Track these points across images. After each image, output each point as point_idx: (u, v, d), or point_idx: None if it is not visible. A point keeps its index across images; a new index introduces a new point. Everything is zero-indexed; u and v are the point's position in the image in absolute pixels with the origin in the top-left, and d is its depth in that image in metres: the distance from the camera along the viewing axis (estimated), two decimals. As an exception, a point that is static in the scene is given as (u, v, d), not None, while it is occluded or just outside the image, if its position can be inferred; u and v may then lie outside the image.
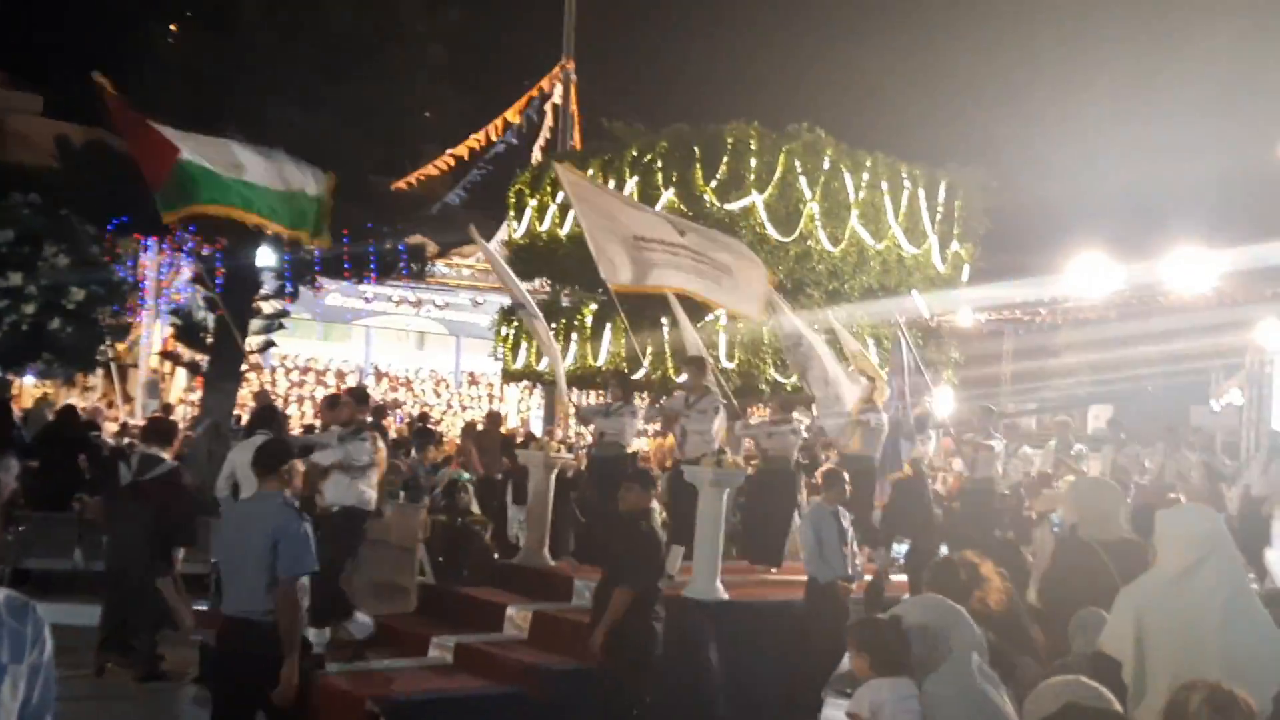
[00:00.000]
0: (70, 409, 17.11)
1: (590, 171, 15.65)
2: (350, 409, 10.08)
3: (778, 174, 14.34)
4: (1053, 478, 13.93)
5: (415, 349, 30.98)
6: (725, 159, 14.16)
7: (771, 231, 14.22)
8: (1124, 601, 5.10)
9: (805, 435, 13.60)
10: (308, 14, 14.32)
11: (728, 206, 14.03)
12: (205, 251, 15.90)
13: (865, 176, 15.27)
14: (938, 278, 16.20)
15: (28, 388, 23.38)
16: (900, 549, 12.45)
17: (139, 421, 19.79)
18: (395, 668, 9.43)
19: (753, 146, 14.23)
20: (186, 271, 19.56)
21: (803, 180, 14.58)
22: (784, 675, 9.41)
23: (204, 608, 11.86)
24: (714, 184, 14.11)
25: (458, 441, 16.93)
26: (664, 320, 13.73)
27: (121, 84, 14.11)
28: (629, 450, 12.04)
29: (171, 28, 14.79)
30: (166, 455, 10.27)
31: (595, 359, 14.78)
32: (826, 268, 14.85)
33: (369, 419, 10.16)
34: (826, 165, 14.84)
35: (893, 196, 15.58)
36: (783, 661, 9.54)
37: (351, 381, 28.97)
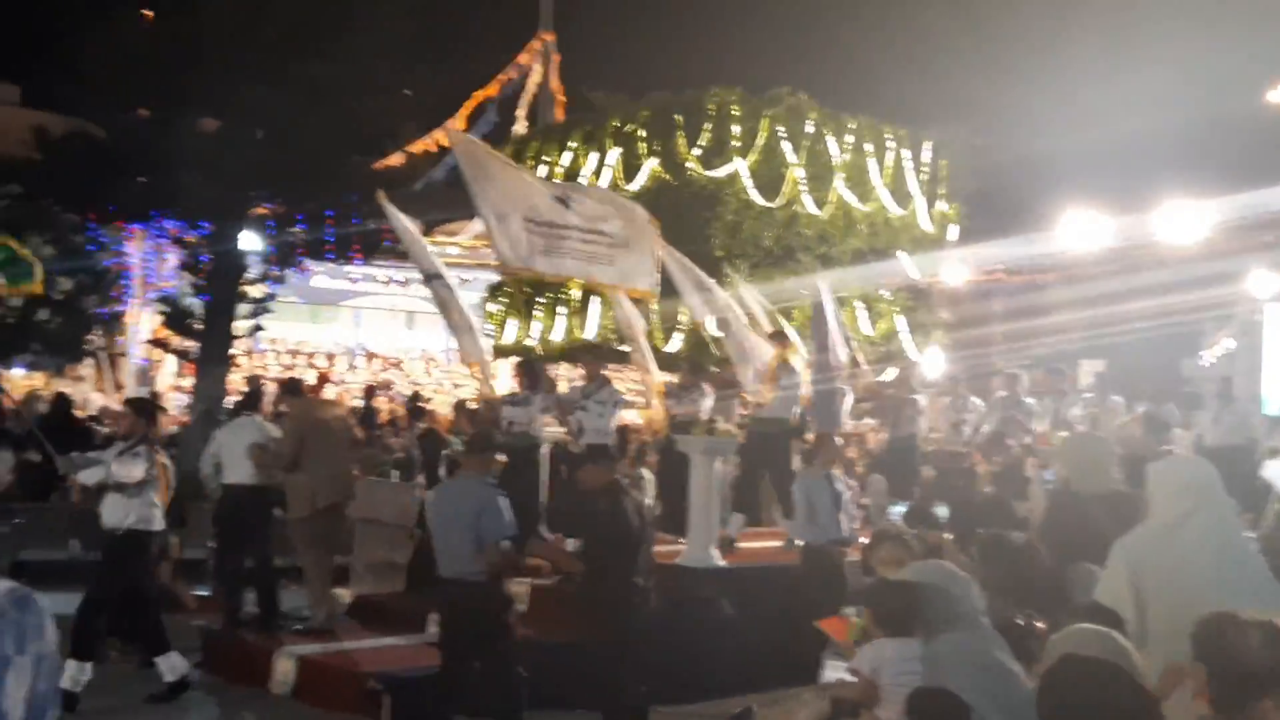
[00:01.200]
0: (63, 397, 17.13)
1: (573, 144, 15.66)
2: (130, 420, 9.44)
3: (761, 139, 14.37)
4: (1004, 435, 13.79)
5: (405, 328, 30.97)
6: (708, 126, 14.17)
7: (756, 197, 14.25)
8: (1117, 554, 5.13)
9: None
10: (267, -6, 14.24)
11: (711, 174, 14.04)
12: (190, 237, 15.88)
13: (849, 139, 15.30)
14: (925, 238, 16.25)
15: (18, 380, 23.40)
16: (897, 510, 12.52)
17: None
18: (394, 645, 9.51)
19: (735, 113, 14.24)
20: (173, 258, 19.51)
21: (786, 145, 14.61)
22: (783, 638, 9.50)
23: (205, 593, 11.96)
24: (697, 152, 14.12)
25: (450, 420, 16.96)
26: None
27: (88, 70, 14.10)
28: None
29: (146, 14, 14.69)
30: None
31: (582, 333, 14.82)
32: (814, 232, 14.89)
33: (147, 432, 9.21)
34: (810, 129, 14.87)
35: (877, 159, 15.62)
36: (781, 624, 9.62)
37: (342, 363, 29.04)
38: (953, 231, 16.75)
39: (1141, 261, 22.63)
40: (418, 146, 30.73)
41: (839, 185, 15.10)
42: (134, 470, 8.82)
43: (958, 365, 16.18)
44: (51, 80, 16.10)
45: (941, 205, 16.52)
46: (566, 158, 15.71)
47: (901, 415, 13.08)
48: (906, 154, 15.99)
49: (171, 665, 8.93)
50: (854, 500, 10.37)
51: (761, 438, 11.17)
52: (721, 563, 10.28)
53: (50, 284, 14.22)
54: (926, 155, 16.25)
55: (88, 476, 8.98)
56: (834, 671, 6.28)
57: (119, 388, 24.47)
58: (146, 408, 9.84)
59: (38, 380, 22.31)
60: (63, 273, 14.51)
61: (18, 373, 21.99)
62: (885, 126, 15.88)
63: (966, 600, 5.09)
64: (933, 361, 17.26)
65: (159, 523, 9.08)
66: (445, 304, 11.43)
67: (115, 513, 8.86)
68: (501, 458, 9.99)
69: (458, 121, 31.20)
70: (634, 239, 10.89)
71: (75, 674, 8.38)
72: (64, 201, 15.12)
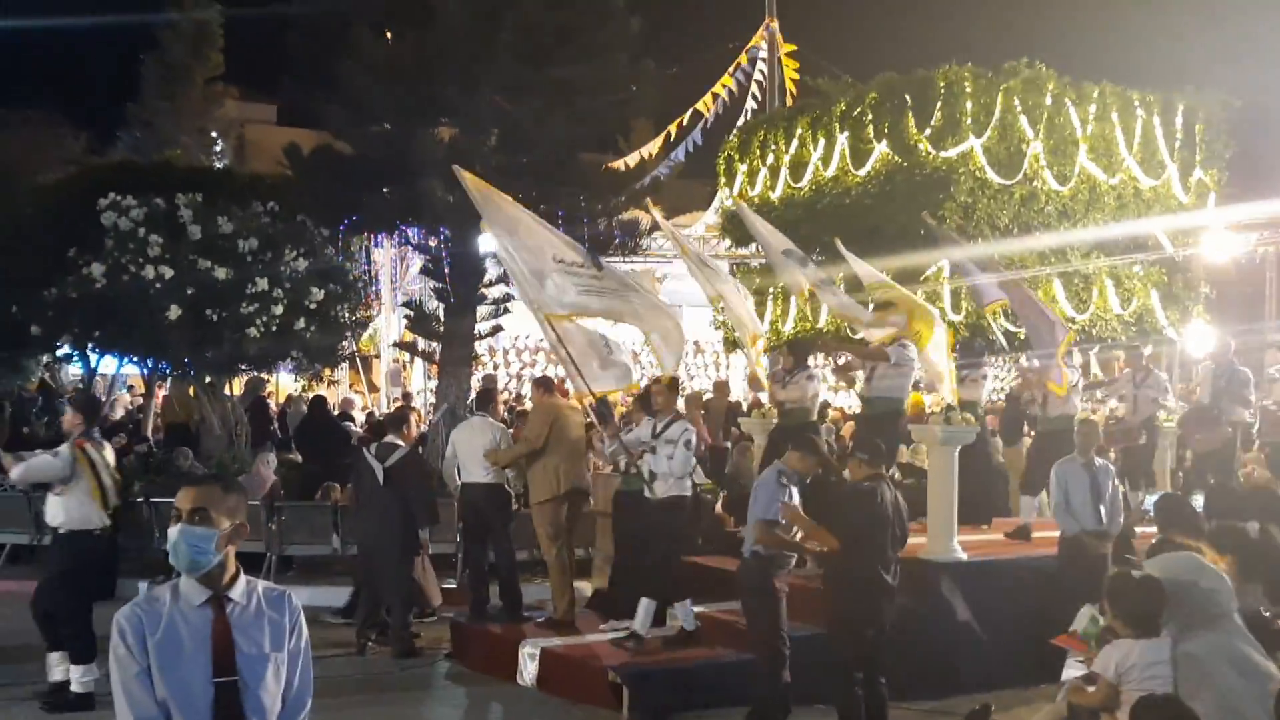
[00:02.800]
0: (320, 400, 18.26)
1: (800, 131, 15.54)
2: (69, 419, 9.28)
3: (996, 115, 13.86)
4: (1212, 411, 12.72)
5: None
6: (939, 105, 13.78)
7: (993, 176, 13.77)
8: None
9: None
10: (504, 2, 14.66)
11: (944, 154, 13.67)
12: (431, 243, 16.60)
13: (1093, 109, 14.59)
14: (1180, 208, 15.36)
15: (285, 384, 25.07)
16: (1150, 499, 11.94)
17: (382, 411, 20.95)
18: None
19: (967, 89, 13.78)
20: (416, 264, 20.43)
21: (1023, 119, 14.05)
22: (1035, 633, 9.22)
23: (452, 585, 12.53)
24: (928, 132, 13.77)
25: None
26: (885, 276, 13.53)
27: (334, 87, 14.90)
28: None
29: (386, 34, 15.41)
30: (401, 442, 10.89)
31: (816, 321, 14.71)
32: (1055, 208, 14.30)
33: (86, 429, 8.94)
34: (1049, 101, 14.26)
35: (1125, 127, 14.84)
36: (1032, 619, 9.33)
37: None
38: (1211, 200, 15.76)
39: None
40: (647, 143, 31.29)
41: (1083, 158, 14.44)
42: (49, 470, 8.67)
43: (1228, 340, 15.22)
44: (302, 98, 17.10)
45: (1198, 173, 15.57)
46: (793, 146, 15.61)
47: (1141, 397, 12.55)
48: (1157, 121, 15.15)
49: (78, 675, 8.73)
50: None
51: (867, 420, 10.70)
52: (963, 556, 10.06)
53: (305, 294, 15.15)
54: (1179, 121, 15.34)
55: (15, 474, 8.90)
56: (1072, 670, 6.04)
57: (373, 389, 25.88)
58: (88, 405, 9.85)
59: (300, 384, 23.87)
60: (316, 284, 15.41)
61: (284, 378, 23.56)
62: (1133, 92, 15.08)
63: (1220, 595, 4.85)
64: (1196, 338, 16.37)
65: (95, 521, 8.81)
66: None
67: (53, 512, 8.84)
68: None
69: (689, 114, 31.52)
70: (649, 319, 10.94)
71: (79, 677, 8.61)
72: (315, 215, 16.06)
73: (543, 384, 11.74)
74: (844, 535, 7.72)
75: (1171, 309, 15.15)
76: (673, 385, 10.27)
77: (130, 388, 23.94)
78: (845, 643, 7.77)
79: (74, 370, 21.84)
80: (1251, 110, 16.57)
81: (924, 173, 13.68)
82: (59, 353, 19.57)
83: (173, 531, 3.53)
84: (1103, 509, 9.35)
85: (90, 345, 16.62)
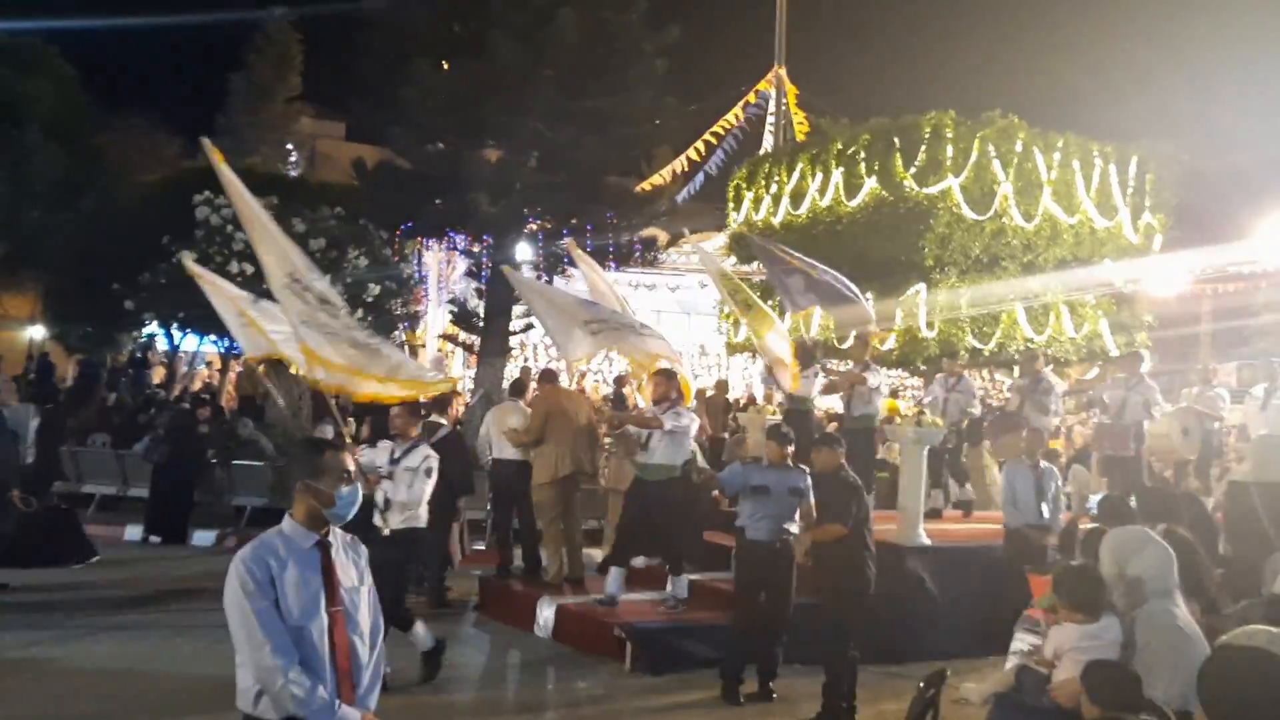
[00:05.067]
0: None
1: (801, 165, 15.59)
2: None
3: (973, 158, 13.91)
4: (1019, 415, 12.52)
5: (654, 324, 31.41)
6: (923, 147, 13.82)
7: (968, 211, 13.81)
8: None
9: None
10: (549, 37, 14.72)
11: (926, 190, 13.71)
12: (475, 248, 16.68)
13: (1057, 156, 14.62)
14: (1130, 248, 15.37)
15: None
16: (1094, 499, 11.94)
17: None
18: (640, 600, 9.74)
19: (949, 134, 13.83)
20: (461, 266, 20.53)
21: (997, 163, 14.09)
22: (983, 610, 9.25)
23: (481, 547, 12.59)
24: (913, 170, 13.81)
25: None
26: (868, 295, 13.58)
27: (397, 110, 15.00)
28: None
29: (443, 65, 15.51)
30: (444, 421, 10.92)
31: (808, 331, 14.75)
32: (1020, 242, 14.32)
33: None
34: (1019, 148, 14.29)
35: (1084, 174, 14.86)
36: (981, 598, 9.37)
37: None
38: (1158, 241, 15.75)
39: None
40: (667, 171, 31.37)
41: (1046, 199, 14.46)
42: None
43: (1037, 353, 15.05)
44: (368, 117, 17.22)
45: (1147, 217, 15.57)
46: (794, 178, 15.66)
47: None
48: (1113, 169, 15.15)
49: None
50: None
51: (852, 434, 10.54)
52: (927, 541, 10.09)
53: (363, 289, 15.24)
54: (1133, 170, 15.34)
55: None
56: (1019, 643, 6.09)
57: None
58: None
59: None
60: (373, 280, 15.52)
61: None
62: (1093, 143, 15.10)
63: (1167, 565, 4.83)
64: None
65: None
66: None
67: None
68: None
69: (703, 146, 31.57)
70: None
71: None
72: (376, 220, 16.16)
73: (546, 376, 11.43)
74: (843, 518, 7.70)
75: (1119, 335, 15.16)
76: (413, 408, 8.36)
77: (208, 364, 24.09)
78: (843, 611, 7.73)
79: (161, 346, 22.00)
80: (1199, 164, 16.55)
81: (908, 206, 13.74)
82: (145, 330, 19.73)
83: (350, 490, 3.72)
84: (1045, 506, 9.39)
85: (176, 324, 16.74)
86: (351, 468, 3.79)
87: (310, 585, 3.56)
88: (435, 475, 8.02)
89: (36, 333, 25.70)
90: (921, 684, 5.68)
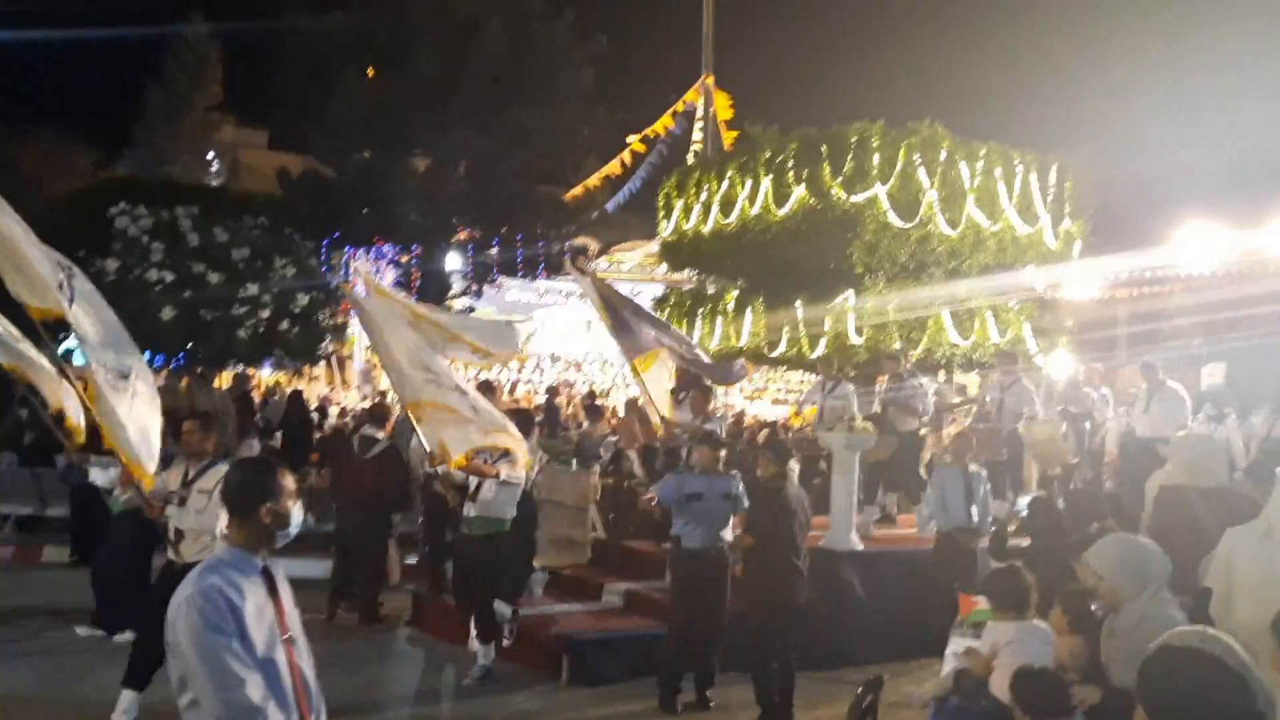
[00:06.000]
0: (297, 394, 18.01)
1: (730, 173, 15.64)
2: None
3: (899, 167, 14.04)
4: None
5: (584, 334, 31.46)
6: (850, 156, 13.94)
7: (894, 219, 13.94)
8: (1223, 542, 5.09)
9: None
10: (473, 50, 14.65)
11: (853, 199, 13.82)
12: (403, 259, 16.51)
13: (980, 165, 14.83)
14: (1050, 254, 15.67)
15: (266, 379, 24.69)
16: (1023, 501, 12.15)
17: (357, 406, 20.71)
18: (575, 610, 9.69)
19: (875, 144, 13.96)
20: (390, 276, 20.29)
21: (922, 171, 14.24)
22: (916, 614, 9.34)
23: (413, 561, 12.40)
24: (840, 179, 13.92)
25: (621, 414, 17.16)
26: (798, 303, 13.69)
27: (320, 119, 14.82)
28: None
29: (369, 72, 15.35)
30: (381, 435, 10.76)
31: (738, 340, 14.79)
32: (946, 249, 14.51)
33: None
34: (944, 156, 14.45)
35: (1006, 182, 15.09)
36: (914, 602, 9.46)
37: (530, 366, 29.66)
38: (1077, 248, 16.09)
39: (1260, 272, 21.38)
40: (595, 178, 31.36)
41: (970, 207, 14.68)
42: None
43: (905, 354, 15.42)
44: (292, 126, 16.94)
45: (1066, 223, 15.90)
46: (724, 186, 15.69)
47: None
48: (1033, 177, 15.44)
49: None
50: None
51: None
52: (859, 546, 10.17)
53: (290, 299, 14.98)
54: (1053, 178, 15.66)
55: None
56: (957, 645, 6.15)
57: (345, 385, 25.58)
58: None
59: (280, 379, 23.53)
60: (300, 290, 15.26)
61: (265, 373, 23.21)
62: (1014, 152, 15.37)
63: (1155, 566, 4.84)
64: (1059, 363, 16.69)
65: None
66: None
67: None
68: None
69: (630, 156, 31.64)
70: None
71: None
72: (302, 230, 15.90)
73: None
74: (762, 527, 7.76)
75: (1040, 339, 15.44)
76: (206, 421, 7.71)
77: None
78: (766, 620, 7.76)
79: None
80: (1115, 171, 16.97)
81: (835, 214, 13.83)
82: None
83: (298, 508, 3.58)
84: (974, 509, 9.51)
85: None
86: (296, 486, 3.65)
87: (266, 614, 3.39)
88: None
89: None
90: (859, 690, 5.70)
